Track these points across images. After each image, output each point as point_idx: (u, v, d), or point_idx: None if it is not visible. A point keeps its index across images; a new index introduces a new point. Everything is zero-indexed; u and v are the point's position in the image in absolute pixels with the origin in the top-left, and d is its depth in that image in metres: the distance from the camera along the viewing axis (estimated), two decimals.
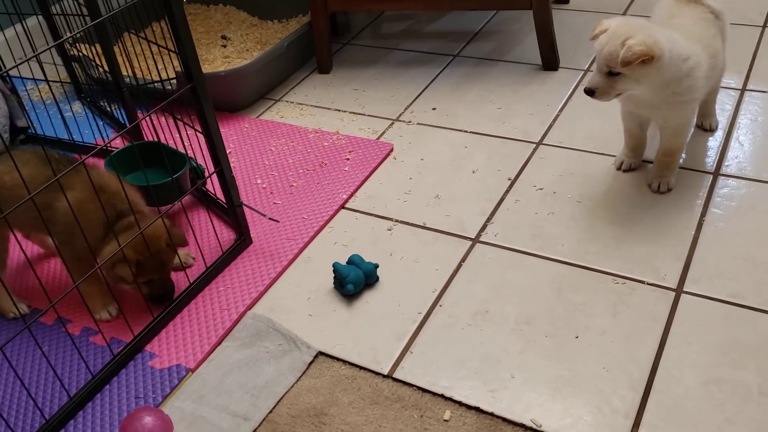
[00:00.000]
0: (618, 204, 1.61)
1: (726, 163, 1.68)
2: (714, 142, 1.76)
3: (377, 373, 1.30)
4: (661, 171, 1.61)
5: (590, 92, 1.44)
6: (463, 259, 1.51)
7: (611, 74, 1.40)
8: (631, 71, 1.37)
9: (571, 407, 1.20)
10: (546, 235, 1.55)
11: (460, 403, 1.22)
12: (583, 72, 2.11)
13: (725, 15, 1.59)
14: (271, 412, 1.25)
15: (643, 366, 1.25)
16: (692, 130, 1.78)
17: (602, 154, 1.77)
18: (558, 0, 2.49)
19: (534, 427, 1.17)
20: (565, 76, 2.11)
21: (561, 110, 1.96)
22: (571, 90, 2.04)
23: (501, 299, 1.41)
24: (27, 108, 2.13)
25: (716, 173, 1.66)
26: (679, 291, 1.38)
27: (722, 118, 1.82)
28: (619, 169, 1.69)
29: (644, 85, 1.42)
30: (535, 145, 1.83)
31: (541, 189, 1.68)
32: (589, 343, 1.30)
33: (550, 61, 2.13)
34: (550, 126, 1.90)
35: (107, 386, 1.33)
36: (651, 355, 1.27)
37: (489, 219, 1.61)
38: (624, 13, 2.40)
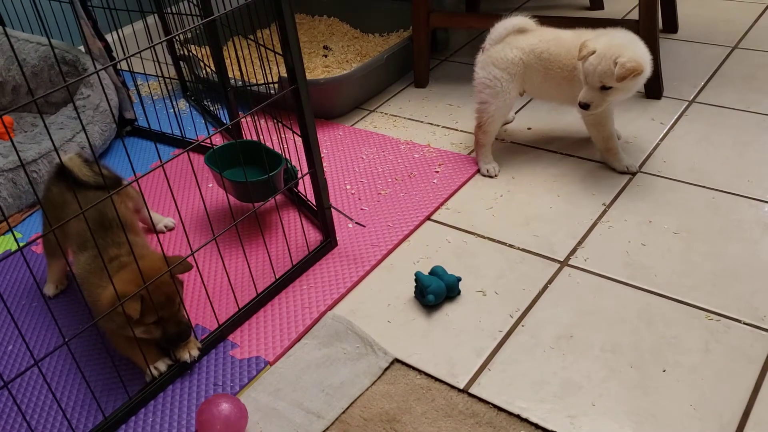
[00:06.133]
0: (717, 238, 1.54)
1: None
2: None
3: (453, 387, 1.28)
4: (612, 157, 1.78)
5: (586, 106, 1.62)
6: (550, 281, 1.48)
7: (603, 89, 1.58)
8: (623, 84, 1.56)
9: None
10: (638, 264, 1.49)
11: (537, 426, 1.19)
12: (687, 102, 2.04)
13: None
14: (344, 412, 1.25)
15: (735, 408, 1.18)
16: None
17: (702, 186, 1.70)
18: (666, 29, 2.43)
19: None
20: (668, 105, 2.04)
21: (662, 139, 1.90)
22: (673, 120, 1.97)
23: (587, 325, 1.37)
24: (135, 102, 2.24)
25: None
26: None
27: None
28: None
29: (629, 94, 1.62)
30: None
31: (637, 217, 1.63)
32: (677, 379, 1.24)
33: (653, 90, 2.07)
34: (650, 154, 1.84)
35: (188, 371, 1.36)
36: (744, 398, 1.20)
37: (580, 243, 1.57)
38: (735, 47, 2.31)
